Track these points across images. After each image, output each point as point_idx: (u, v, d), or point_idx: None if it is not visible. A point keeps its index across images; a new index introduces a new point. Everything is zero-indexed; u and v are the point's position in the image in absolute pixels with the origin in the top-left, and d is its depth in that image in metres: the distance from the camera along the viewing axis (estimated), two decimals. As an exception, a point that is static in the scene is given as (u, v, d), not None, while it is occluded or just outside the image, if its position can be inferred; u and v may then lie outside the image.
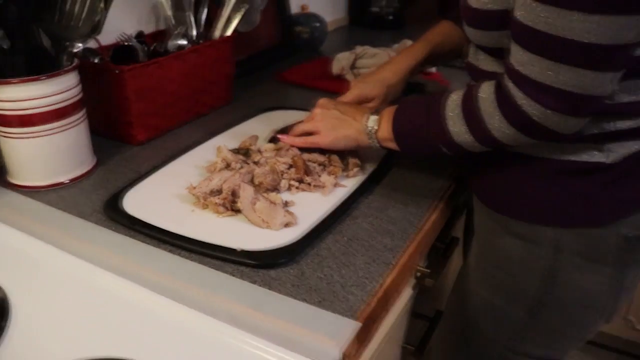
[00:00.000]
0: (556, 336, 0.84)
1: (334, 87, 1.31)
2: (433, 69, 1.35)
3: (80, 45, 0.90)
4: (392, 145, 0.83)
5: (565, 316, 0.81)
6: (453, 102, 0.75)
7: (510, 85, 0.67)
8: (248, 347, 0.59)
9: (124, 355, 0.57)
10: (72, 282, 0.70)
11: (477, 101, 0.71)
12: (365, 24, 1.96)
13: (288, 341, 0.59)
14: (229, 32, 1.20)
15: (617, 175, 0.72)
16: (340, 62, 1.35)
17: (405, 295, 0.89)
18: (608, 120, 0.69)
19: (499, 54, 0.72)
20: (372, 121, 0.85)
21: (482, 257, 0.87)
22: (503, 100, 0.68)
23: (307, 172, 0.85)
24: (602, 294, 0.79)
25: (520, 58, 0.65)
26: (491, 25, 0.71)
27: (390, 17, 1.91)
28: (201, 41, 1.19)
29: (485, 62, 0.77)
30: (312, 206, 0.82)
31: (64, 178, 0.93)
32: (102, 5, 0.85)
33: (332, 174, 0.87)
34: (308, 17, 1.64)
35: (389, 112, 0.83)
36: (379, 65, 1.05)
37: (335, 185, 0.86)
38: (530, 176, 0.76)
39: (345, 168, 0.89)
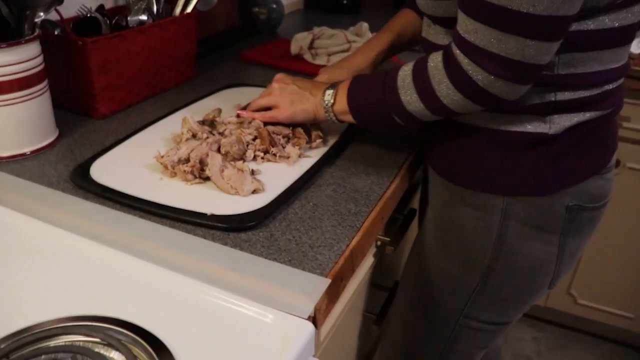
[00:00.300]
0: (506, 301, 0.90)
1: (294, 66, 1.34)
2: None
3: (42, 14, 0.89)
4: (348, 117, 0.87)
5: (515, 282, 0.87)
6: (404, 72, 0.78)
7: (457, 52, 0.70)
8: (225, 303, 0.60)
9: (103, 313, 0.59)
10: (44, 247, 0.70)
11: (427, 70, 0.75)
12: (322, 7, 1.99)
13: (262, 297, 0.62)
14: (189, 10, 1.21)
15: (561, 147, 0.78)
16: (299, 42, 1.38)
17: (367, 264, 0.94)
18: (549, 92, 0.74)
19: (450, 24, 0.76)
20: (328, 95, 0.88)
21: (438, 226, 0.92)
22: (451, 66, 0.72)
23: (272, 143, 0.88)
24: (547, 261, 0.85)
25: (466, 26, 0.68)
26: None
27: (345, 1, 1.94)
28: (164, 16, 1.19)
29: (437, 35, 0.82)
30: (278, 175, 0.85)
31: (26, 149, 0.93)
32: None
33: (297, 145, 0.90)
34: (266, -1, 1.65)
35: (344, 86, 0.87)
36: (347, 55, 1.10)
37: (300, 156, 0.89)
38: (481, 147, 0.81)
39: (309, 140, 0.92)
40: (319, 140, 0.92)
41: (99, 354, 0.53)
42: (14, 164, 0.91)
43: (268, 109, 0.94)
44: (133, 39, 1.06)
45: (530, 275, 0.86)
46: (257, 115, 0.94)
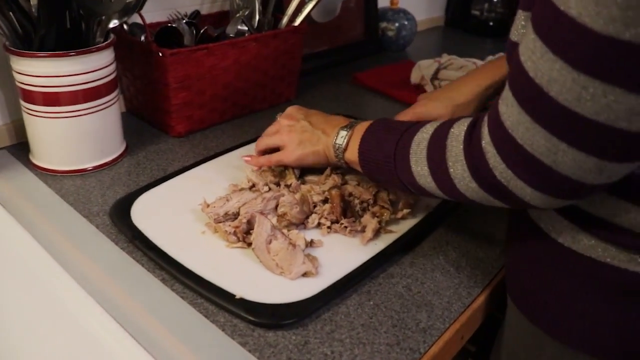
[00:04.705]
0: None
1: (410, 98, 1.15)
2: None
3: (116, 21, 0.79)
4: (359, 169, 0.69)
5: None
6: (423, 134, 0.59)
7: (484, 123, 0.50)
8: None
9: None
10: (45, 290, 0.61)
11: (446, 138, 0.55)
12: (464, 27, 1.76)
13: None
14: (297, 22, 1.07)
15: None
16: (421, 70, 1.18)
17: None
18: None
19: None
20: (341, 137, 0.72)
21: None
22: (471, 142, 0.52)
23: (345, 212, 0.71)
24: None
25: (504, 93, 0.48)
26: None
27: (491, 23, 1.70)
28: (266, 29, 1.06)
29: None
30: (342, 252, 0.67)
31: (88, 165, 0.85)
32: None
33: (377, 217, 0.72)
34: (396, 13, 1.47)
35: (359, 130, 0.70)
36: (452, 81, 0.90)
37: (380, 230, 0.71)
38: (577, 283, 0.55)
39: (395, 209, 0.74)
40: (406, 211, 0.73)
41: None
42: (69, 179, 0.83)
43: (276, 150, 0.79)
44: (222, 53, 0.94)
45: None
46: (262, 160, 0.79)
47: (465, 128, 0.54)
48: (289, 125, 0.78)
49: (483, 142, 0.50)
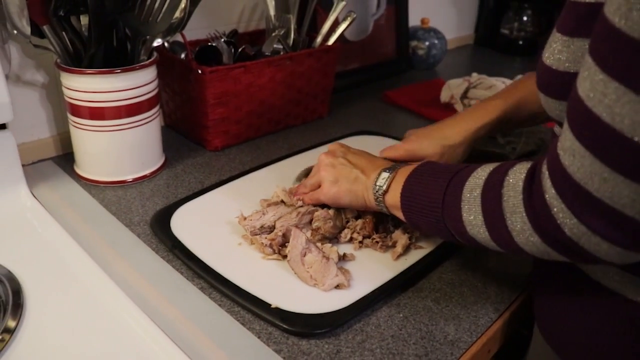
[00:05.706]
0: None
1: (441, 116, 1.17)
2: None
3: (159, 40, 0.84)
4: (401, 215, 0.65)
5: None
6: (475, 179, 0.55)
7: (545, 175, 0.46)
8: None
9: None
10: (88, 294, 0.64)
11: (502, 186, 0.51)
12: (494, 46, 1.78)
13: None
14: (331, 41, 1.10)
15: None
16: (451, 89, 1.20)
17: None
18: None
19: None
20: (382, 179, 0.67)
21: None
22: (532, 193, 0.48)
23: (377, 228, 0.73)
24: None
25: (565, 142, 0.44)
26: (564, 92, 0.49)
27: (521, 42, 1.71)
28: (301, 47, 1.09)
29: None
30: (374, 266, 0.70)
31: (128, 177, 0.89)
32: (183, 4, 0.78)
33: (408, 232, 0.74)
34: (427, 32, 1.50)
35: (403, 172, 0.66)
36: (442, 120, 0.86)
37: (410, 246, 0.73)
38: (610, 322, 0.54)
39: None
40: (435, 226, 0.75)
41: None
42: (111, 190, 0.87)
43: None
44: (258, 71, 0.97)
45: None
46: (306, 198, 0.75)
47: (523, 177, 0.50)
48: (326, 163, 0.74)
49: (547, 196, 0.45)
